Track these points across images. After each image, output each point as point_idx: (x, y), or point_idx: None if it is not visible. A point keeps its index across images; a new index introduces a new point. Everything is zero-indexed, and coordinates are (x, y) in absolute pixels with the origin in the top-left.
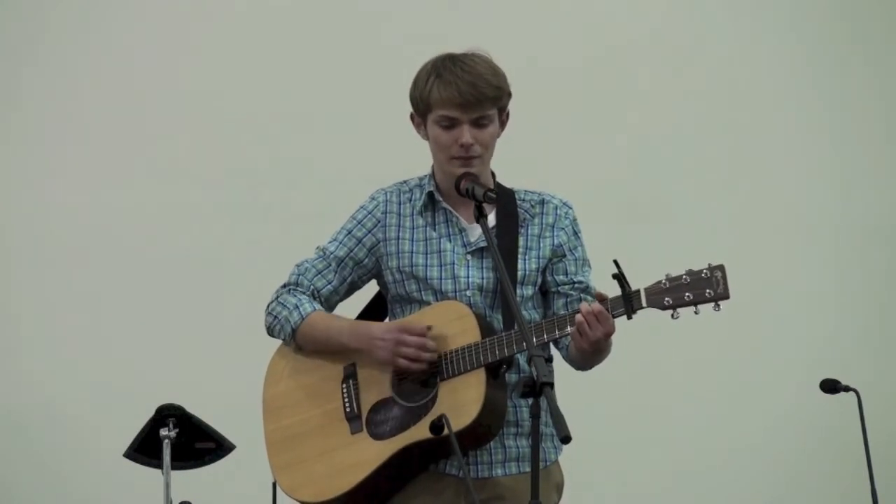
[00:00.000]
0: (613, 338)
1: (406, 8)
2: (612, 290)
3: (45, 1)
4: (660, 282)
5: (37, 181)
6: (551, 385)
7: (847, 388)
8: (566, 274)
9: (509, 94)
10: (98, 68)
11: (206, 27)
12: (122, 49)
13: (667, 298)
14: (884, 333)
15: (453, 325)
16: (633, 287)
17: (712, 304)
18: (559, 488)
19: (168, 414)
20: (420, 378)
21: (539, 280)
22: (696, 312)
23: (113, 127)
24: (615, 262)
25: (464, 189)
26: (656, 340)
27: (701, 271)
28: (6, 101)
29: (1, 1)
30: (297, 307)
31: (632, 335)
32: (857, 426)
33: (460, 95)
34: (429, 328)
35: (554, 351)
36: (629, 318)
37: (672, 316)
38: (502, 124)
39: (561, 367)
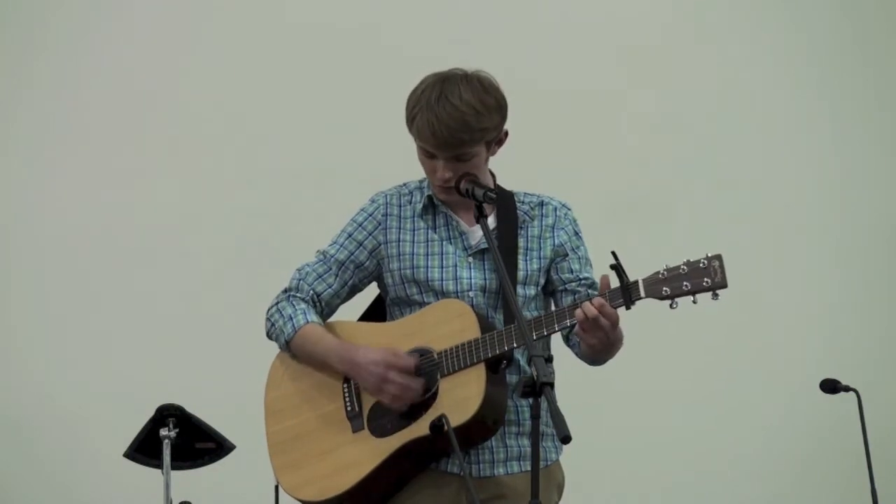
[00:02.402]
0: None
1: (411, 11)
2: (611, 281)
3: (47, 2)
4: (658, 272)
5: (37, 181)
6: (551, 385)
7: (847, 388)
8: (572, 272)
9: (498, 127)
10: (99, 69)
11: (207, 28)
12: (123, 50)
13: (665, 288)
14: (884, 333)
15: (453, 322)
16: (632, 278)
17: (710, 294)
18: (560, 488)
19: (168, 414)
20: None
21: (542, 281)
22: (694, 302)
23: (114, 127)
24: (613, 253)
25: (463, 189)
26: (657, 341)
27: (699, 261)
28: (6, 101)
29: (2, 2)
30: (292, 318)
31: (632, 335)
32: (857, 426)
33: (434, 137)
34: (417, 366)
35: (564, 349)
36: (628, 308)
37: (671, 306)
38: (499, 143)
39: (562, 368)
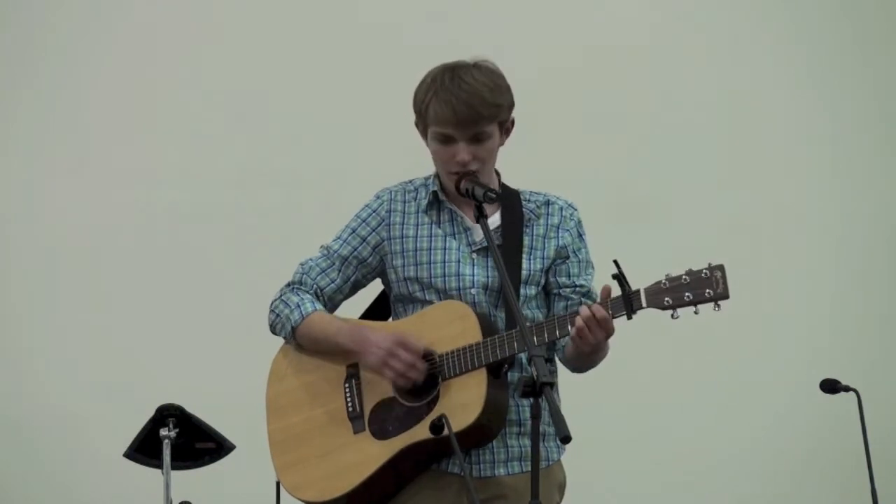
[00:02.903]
0: (614, 338)
1: (412, 12)
2: (612, 290)
3: (47, 1)
4: (660, 282)
5: (37, 181)
6: (551, 385)
7: (847, 388)
8: (568, 276)
9: (510, 107)
10: (99, 69)
11: (208, 28)
12: (123, 50)
13: (667, 298)
14: (884, 333)
15: (454, 325)
16: (633, 287)
17: (712, 304)
18: (561, 488)
19: (168, 414)
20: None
21: (543, 280)
22: (695, 312)
23: (114, 127)
24: (615, 262)
25: (464, 189)
26: (657, 341)
27: (701, 271)
28: (6, 101)
29: (2, 1)
30: (299, 306)
31: (632, 336)
32: (857, 426)
33: (455, 115)
34: (427, 352)
35: None
36: (629, 318)
37: (672, 316)
38: (507, 132)
39: (562, 368)
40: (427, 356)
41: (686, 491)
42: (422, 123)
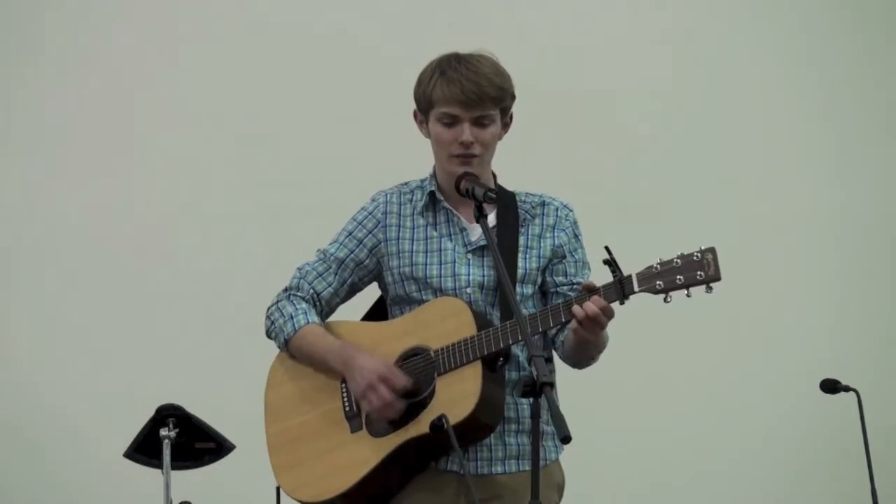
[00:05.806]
0: (613, 337)
1: (411, 13)
2: (605, 277)
3: (44, 1)
4: (651, 266)
5: (35, 181)
6: (551, 385)
7: (847, 388)
8: (565, 275)
9: (513, 96)
10: (97, 69)
11: (207, 28)
12: (120, 49)
13: (658, 282)
14: (884, 333)
15: (449, 320)
16: (625, 273)
17: (704, 287)
18: (560, 488)
19: (168, 414)
20: (416, 373)
21: (539, 279)
22: (688, 295)
23: (113, 128)
24: (606, 247)
25: (464, 189)
26: (656, 340)
27: (692, 254)
28: (5, 101)
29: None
30: (293, 318)
31: (631, 334)
32: (857, 426)
33: (463, 93)
34: (409, 387)
35: None
36: (622, 303)
37: (665, 300)
38: (505, 126)
39: (561, 368)
40: (419, 353)
41: (686, 491)
42: (424, 108)
